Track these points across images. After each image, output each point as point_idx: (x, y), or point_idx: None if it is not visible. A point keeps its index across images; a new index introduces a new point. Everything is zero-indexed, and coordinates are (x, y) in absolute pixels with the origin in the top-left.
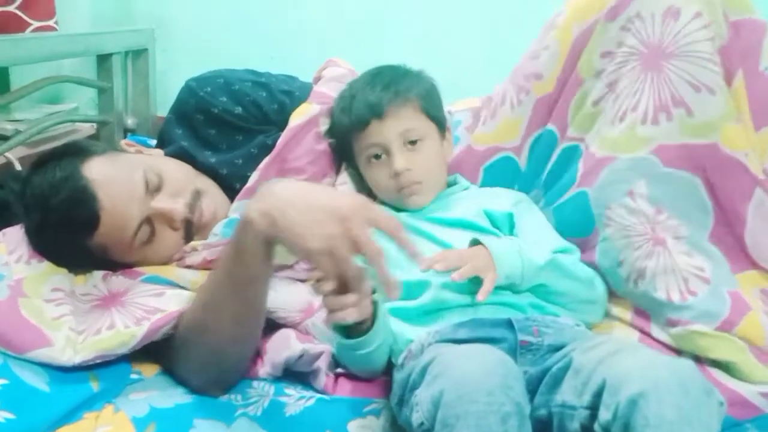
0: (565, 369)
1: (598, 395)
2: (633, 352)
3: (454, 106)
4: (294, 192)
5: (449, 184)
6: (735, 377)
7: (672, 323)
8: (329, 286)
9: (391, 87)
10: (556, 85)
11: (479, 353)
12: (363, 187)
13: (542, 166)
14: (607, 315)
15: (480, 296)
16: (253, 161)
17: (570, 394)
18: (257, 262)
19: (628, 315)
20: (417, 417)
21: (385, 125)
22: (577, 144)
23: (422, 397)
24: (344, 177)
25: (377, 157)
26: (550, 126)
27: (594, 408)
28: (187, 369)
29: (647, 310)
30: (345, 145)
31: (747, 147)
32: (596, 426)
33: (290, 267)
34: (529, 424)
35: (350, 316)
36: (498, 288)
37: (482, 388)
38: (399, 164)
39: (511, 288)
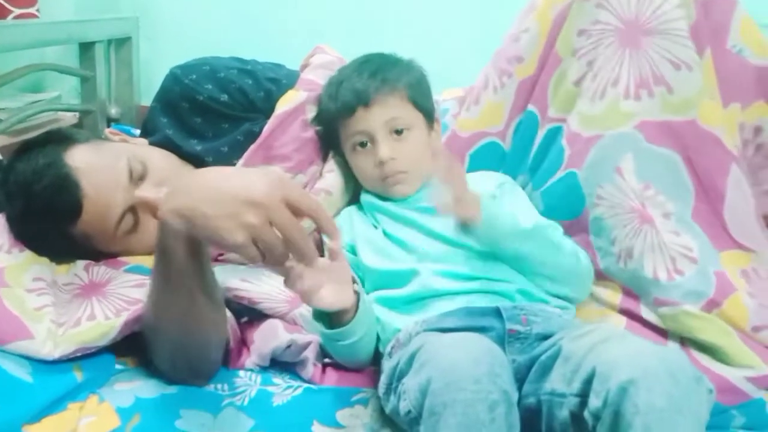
0: (554, 357)
1: (588, 383)
2: (622, 340)
3: (442, 96)
4: (203, 184)
5: None
6: (721, 362)
7: (660, 303)
8: (288, 276)
9: (378, 75)
10: (537, 67)
11: (467, 341)
12: (350, 175)
13: (527, 150)
14: (597, 300)
15: (444, 209)
16: (239, 149)
17: (559, 381)
18: (183, 259)
19: (617, 298)
20: (404, 405)
21: (371, 113)
22: (560, 125)
23: (409, 385)
24: (331, 165)
25: (363, 145)
26: (531, 107)
27: (584, 395)
28: (160, 363)
29: (636, 291)
30: (331, 132)
31: (722, 123)
32: (586, 413)
33: None
34: (517, 411)
35: (323, 300)
36: (483, 253)
37: (470, 376)
38: (383, 153)
39: (494, 252)
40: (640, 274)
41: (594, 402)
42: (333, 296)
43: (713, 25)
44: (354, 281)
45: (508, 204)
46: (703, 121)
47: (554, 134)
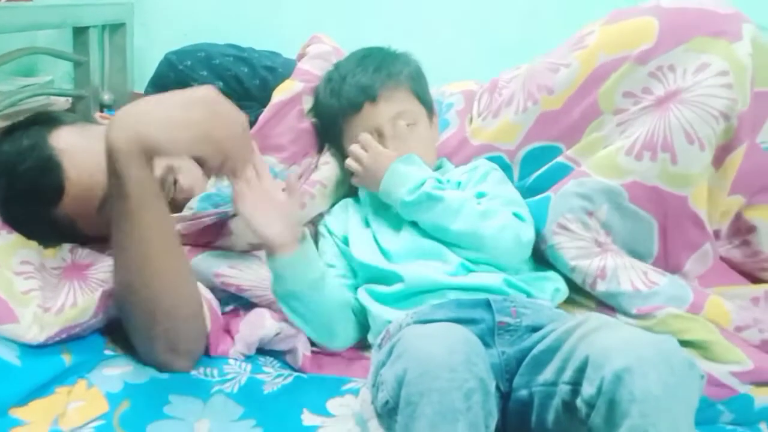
0: (547, 351)
1: (580, 371)
2: (615, 328)
3: (448, 88)
4: (148, 102)
5: (436, 168)
6: (707, 359)
7: (643, 312)
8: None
9: (382, 69)
10: (565, 104)
11: (442, 331)
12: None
13: (530, 174)
14: (573, 302)
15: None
16: None
17: (551, 372)
18: (139, 184)
19: (592, 304)
20: (382, 396)
21: (378, 108)
22: (571, 166)
23: (386, 375)
24: (327, 157)
25: None
26: (558, 144)
27: (576, 384)
28: (142, 344)
29: (612, 305)
30: (333, 128)
31: (705, 207)
32: (578, 401)
33: None
34: (494, 399)
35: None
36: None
37: (445, 365)
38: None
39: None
40: (618, 290)
41: (587, 390)
42: (269, 227)
43: (754, 119)
44: (304, 233)
45: (473, 187)
46: (693, 201)
47: (561, 169)
